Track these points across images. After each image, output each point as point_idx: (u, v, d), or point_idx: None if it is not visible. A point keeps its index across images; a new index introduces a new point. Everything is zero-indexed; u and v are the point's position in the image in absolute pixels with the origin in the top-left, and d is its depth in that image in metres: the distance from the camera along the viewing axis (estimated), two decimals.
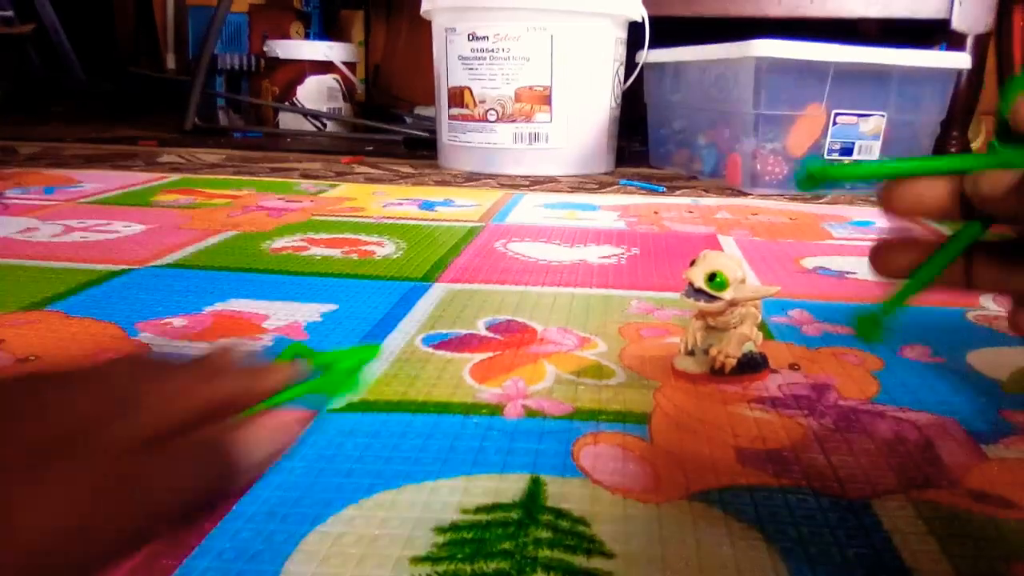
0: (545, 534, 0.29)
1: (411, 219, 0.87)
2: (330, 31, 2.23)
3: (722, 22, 1.39)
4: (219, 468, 0.24)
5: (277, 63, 1.99)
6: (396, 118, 2.03)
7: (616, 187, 1.20)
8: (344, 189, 1.08)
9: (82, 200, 0.93)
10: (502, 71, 1.27)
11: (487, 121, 1.30)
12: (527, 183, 1.22)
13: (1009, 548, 0.29)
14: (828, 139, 1.18)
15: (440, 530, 0.29)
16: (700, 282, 0.42)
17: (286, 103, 1.98)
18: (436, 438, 0.36)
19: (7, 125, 1.83)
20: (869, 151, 1.20)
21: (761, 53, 1.11)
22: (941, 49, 1.39)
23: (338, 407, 0.39)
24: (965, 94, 1.36)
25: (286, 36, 2.07)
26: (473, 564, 0.27)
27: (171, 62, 2.28)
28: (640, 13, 1.35)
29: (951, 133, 1.38)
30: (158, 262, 0.65)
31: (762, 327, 0.48)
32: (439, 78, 1.36)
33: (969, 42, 1.33)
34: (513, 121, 1.29)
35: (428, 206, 0.96)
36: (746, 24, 1.36)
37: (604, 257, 0.72)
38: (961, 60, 1.20)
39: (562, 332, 0.51)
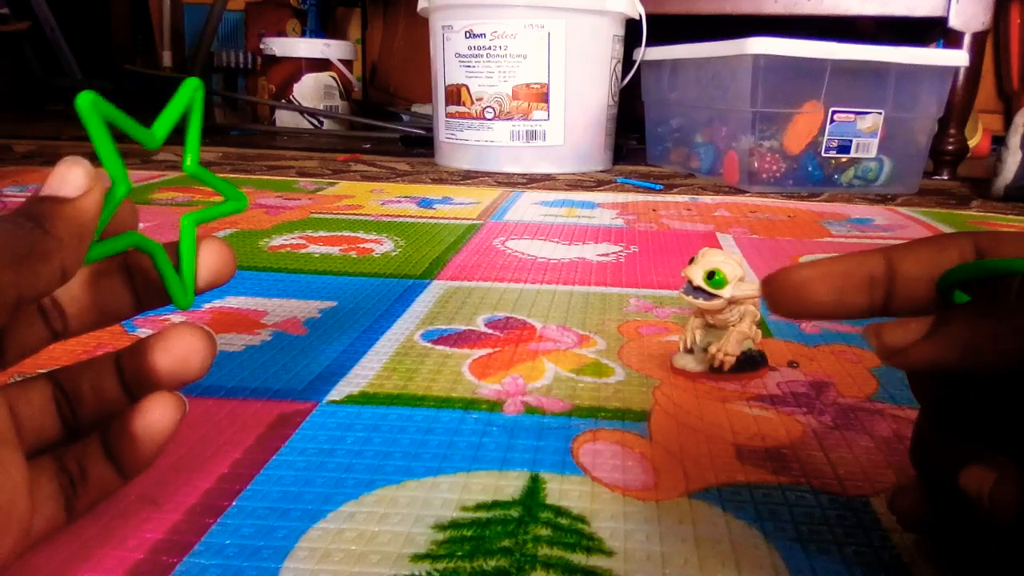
0: (544, 532, 0.29)
1: (410, 217, 0.87)
2: (327, 29, 2.23)
3: (719, 20, 1.39)
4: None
5: (274, 61, 1.99)
6: (393, 116, 2.03)
7: (613, 185, 1.20)
8: (342, 187, 1.08)
9: None
10: (499, 68, 1.27)
11: (484, 119, 1.30)
12: (524, 181, 1.22)
13: None
14: (825, 137, 1.18)
15: (440, 527, 0.29)
16: (699, 280, 0.42)
17: (283, 101, 1.98)
18: (436, 433, 0.36)
19: (3, 123, 1.83)
20: (867, 148, 1.20)
21: (758, 51, 1.11)
22: (938, 47, 1.39)
23: (337, 399, 0.39)
24: (962, 92, 1.36)
25: (283, 34, 2.07)
26: (473, 562, 0.27)
27: (167, 60, 2.28)
28: (637, 10, 1.35)
29: (948, 131, 1.38)
30: None
31: (761, 325, 0.48)
32: (436, 76, 1.36)
33: (966, 40, 1.33)
34: (510, 119, 1.29)
35: (427, 204, 0.96)
36: (743, 22, 1.36)
37: (603, 255, 0.72)
38: (958, 58, 1.20)
39: (561, 330, 0.51)
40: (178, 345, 0.27)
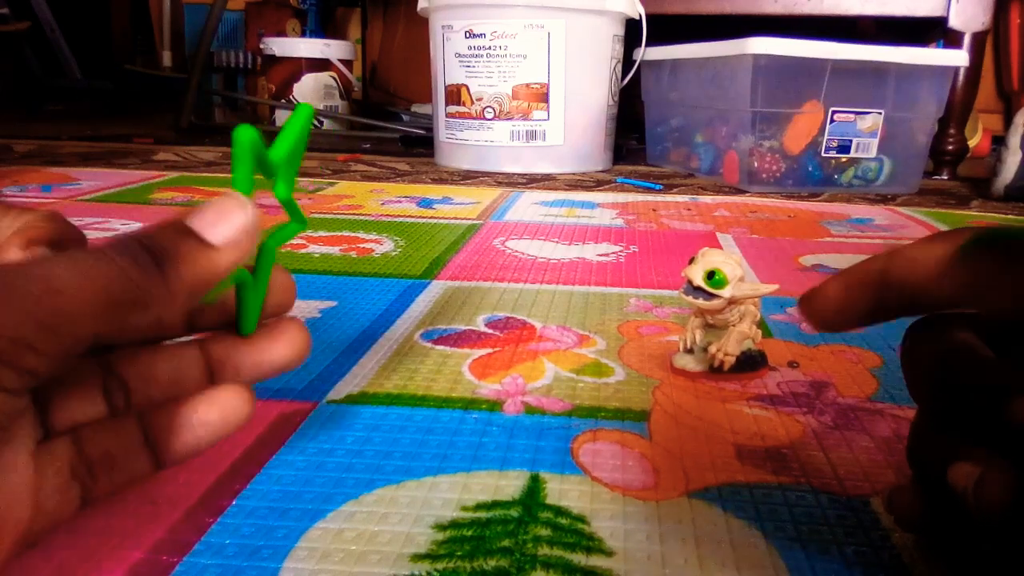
0: (544, 532, 0.29)
1: (410, 217, 0.87)
2: (327, 29, 2.23)
3: (719, 19, 1.39)
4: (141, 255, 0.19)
5: (274, 61, 1.98)
6: (393, 116, 2.03)
7: (613, 185, 1.20)
8: (342, 187, 1.08)
9: (80, 198, 0.93)
10: (499, 68, 1.27)
11: (484, 119, 1.29)
12: (524, 181, 1.22)
13: None
14: (825, 137, 1.18)
15: (440, 527, 0.29)
16: (699, 280, 0.42)
17: (283, 101, 1.98)
18: (436, 433, 0.36)
19: (3, 123, 1.82)
20: (867, 148, 1.20)
21: (758, 51, 1.11)
22: (938, 47, 1.39)
23: (337, 399, 0.39)
24: (962, 92, 1.36)
25: (283, 34, 2.07)
26: (473, 562, 0.27)
27: (167, 60, 2.28)
28: (637, 10, 1.35)
29: (948, 131, 1.38)
30: None
31: (761, 325, 0.48)
32: (436, 76, 1.36)
33: (966, 40, 1.33)
34: (510, 119, 1.28)
35: (427, 204, 0.96)
36: (743, 21, 1.36)
37: (603, 255, 0.72)
38: (958, 58, 1.20)
39: (561, 330, 0.51)
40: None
